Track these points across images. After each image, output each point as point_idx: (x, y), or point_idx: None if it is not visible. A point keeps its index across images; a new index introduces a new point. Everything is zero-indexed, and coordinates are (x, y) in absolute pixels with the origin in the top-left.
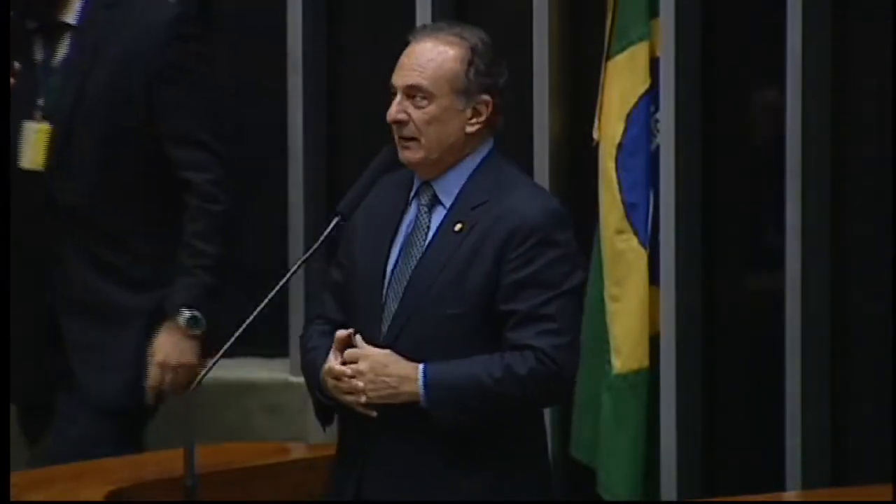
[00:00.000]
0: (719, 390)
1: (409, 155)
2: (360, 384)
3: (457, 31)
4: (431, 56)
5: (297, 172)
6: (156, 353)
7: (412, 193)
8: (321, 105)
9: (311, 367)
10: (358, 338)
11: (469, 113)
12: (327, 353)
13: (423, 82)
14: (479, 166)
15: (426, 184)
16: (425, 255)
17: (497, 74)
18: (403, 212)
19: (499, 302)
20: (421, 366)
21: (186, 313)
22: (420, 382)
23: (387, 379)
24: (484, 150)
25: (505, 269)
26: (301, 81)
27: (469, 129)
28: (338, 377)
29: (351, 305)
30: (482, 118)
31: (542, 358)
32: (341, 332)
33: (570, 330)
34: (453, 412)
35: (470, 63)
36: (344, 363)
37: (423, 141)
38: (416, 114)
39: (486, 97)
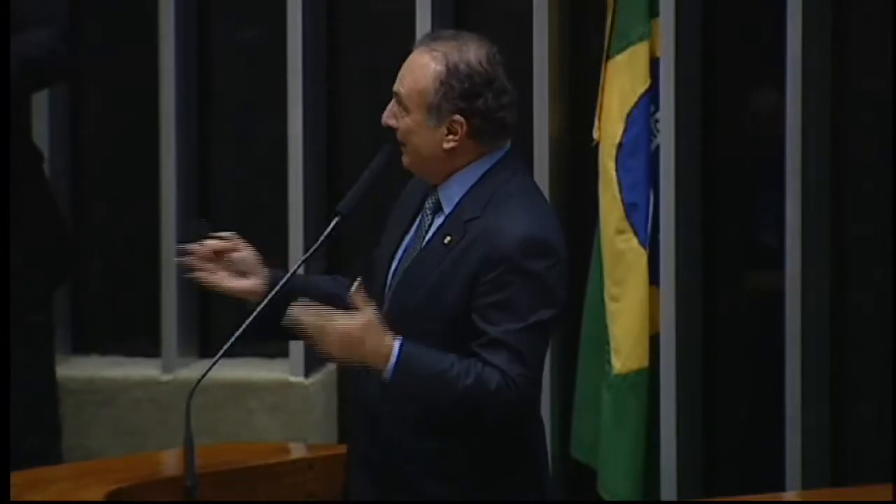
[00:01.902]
0: (719, 390)
1: (403, 159)
2: (329, 332)
3: (446, 46)
4: (413, 68)
5: (297, 173)
6: None
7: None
8: (321, 106)
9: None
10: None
11: (444, 130)
12: (326, 287)
13: (402, 92)
14: (482, 177)
15: (434, 187)
16: (415, 263)
17: (476, 97)
18: (418, 212)
19: (474, 321)
20: (396, 345)
21: None
22: (392, 359)
23: (359, 344)
24: (490, 159)
25: (476, 293)
26: (301, 83)
27: (446, 145)
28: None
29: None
30: (457, 137)
31: (509, 381)
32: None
33: (535, 365)
34: (408, 396)
35: (442, 83)
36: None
37: (407, 148)
38: (400, 121)
39: (458, 118)
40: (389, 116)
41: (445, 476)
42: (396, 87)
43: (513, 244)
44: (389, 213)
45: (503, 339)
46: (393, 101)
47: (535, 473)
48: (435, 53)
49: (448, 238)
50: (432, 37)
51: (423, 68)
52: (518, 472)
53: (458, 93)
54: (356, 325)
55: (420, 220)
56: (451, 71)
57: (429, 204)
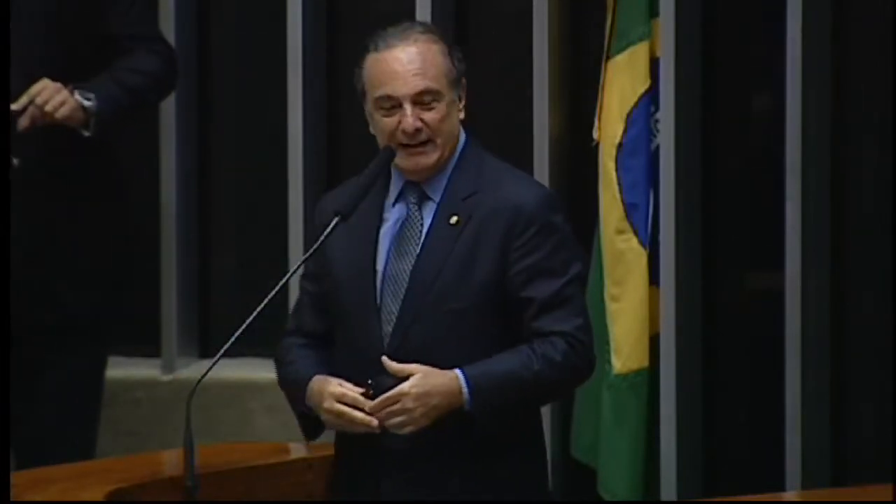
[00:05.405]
0: (719, 390)
1: (423, 161)
2: (403, 418)
3: (423, 27)
4: (425, 57)
5: (297, 173)
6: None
7: (394, 195)
8: (321, 105)
9: (294, 380)
10: (390, 363)
11: (460, 102)
12: (308, 367)
13: (433, 84)
14: (459, 158)
15: (410, 183)
16: (423, 252)
17: (461, 61)
18: (381, 213)
19: (514, 290)
20: (460, 375)
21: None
22: (465, 393)
23: (435, 404)
24: (459, 143)
25: (511, 259)
26: (301, 82)
27: (461, 115)
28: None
29: (337, 311)
30: (463, 103)
31: (571, 341)
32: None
33: (585, 312)
34: (497, 413)
35: (450, 53)
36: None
37: (438, 141)
38: (428, 116)
39: (463, 81)
40: (417, 121)
41: (447, 465)
42: (423, 84)
43: (537, 203)
44: (317, 241)
45: (552, 300)
46: (410, 106)
47: (538, 459)
48: (427, 36)
49: (455, 218)
50: (402, 31)
51: (432, 51)
52: (521, 458)
53: (458, 58)
54: (418, 385)
55: (408, 217)
56: (446, 40)
57: (412, 198)
